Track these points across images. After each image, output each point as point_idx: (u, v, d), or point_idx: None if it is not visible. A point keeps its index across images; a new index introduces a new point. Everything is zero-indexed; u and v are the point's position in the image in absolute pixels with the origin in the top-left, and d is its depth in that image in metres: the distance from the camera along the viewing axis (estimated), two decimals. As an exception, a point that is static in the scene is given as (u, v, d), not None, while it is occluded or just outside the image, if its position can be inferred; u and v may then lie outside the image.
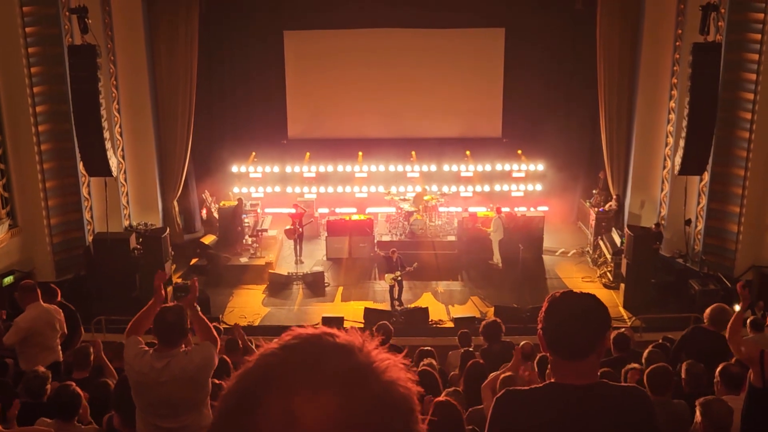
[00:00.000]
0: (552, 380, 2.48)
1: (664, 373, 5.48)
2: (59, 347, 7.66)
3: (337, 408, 0.89)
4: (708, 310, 7.06)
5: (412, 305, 13.80)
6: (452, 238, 16.57)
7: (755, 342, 6.21)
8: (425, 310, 13.29)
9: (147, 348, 4.55)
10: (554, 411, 2.39)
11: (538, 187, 18.34)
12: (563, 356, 2.40)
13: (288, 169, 18.33)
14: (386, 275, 13.95)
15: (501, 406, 2.49)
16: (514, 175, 18.45)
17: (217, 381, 4.93)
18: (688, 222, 14.41)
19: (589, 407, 2.37)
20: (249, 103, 18.19)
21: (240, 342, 8.11)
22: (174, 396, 4.37)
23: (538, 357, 6.30)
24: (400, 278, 13.86)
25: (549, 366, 2.52)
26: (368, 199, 18.41)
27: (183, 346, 4.56)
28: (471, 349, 8.42)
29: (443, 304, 14.10)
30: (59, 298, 8.11)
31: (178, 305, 4.55)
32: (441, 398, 4.71)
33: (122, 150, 15.54)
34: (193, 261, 15.96)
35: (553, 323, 2.41)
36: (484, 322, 8.81)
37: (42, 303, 7.57)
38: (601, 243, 15.91)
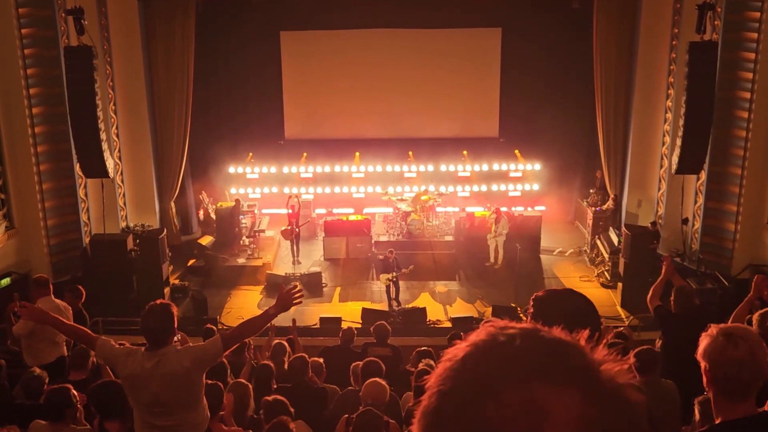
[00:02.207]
0: None
1: (650, 352, 5.75)
2: (64, 343, 7.71)
3: (582, 405, 0.85)
4: (757, 315, 7.22)
5: (410, 305, 13.80)
6: (450, 238, 16.57)
7: None
8: (423, 310, 13.29)
9: (136, 347, 4.56)
10: None
11: (536, 186, 18.36)
12: None
13: (285, 169, 18.33)
14: (382, 275, 13.96)
15: None
16: (512, 174, 18.47)
17: (210, 381, 4.93)
18: (685, 221, 14.44)
19: None
20: (246, 103, 18.18)
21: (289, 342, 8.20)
22: (165, 395, 4.37)
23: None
24: (395, 279, 13.85)
25: None
26: (365, 199, 18.42)
27: (177, 342, 4.56)
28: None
29: (441, 304, 14.10)
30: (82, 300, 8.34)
31: (163, 304, 4.53)
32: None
33: (119, 151, 15.51)
34: (191, 262, 15.95)
35: (562, 320, 2.38)
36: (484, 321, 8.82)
37: (53, 298, 7.62)
38: (598, 242, 15.93)
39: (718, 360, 2.61)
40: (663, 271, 7.06)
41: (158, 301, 4.56)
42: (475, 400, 0.86)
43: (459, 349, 0.93)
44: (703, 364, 2.67)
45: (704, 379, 2.69)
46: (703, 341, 2.69)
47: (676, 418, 5.49)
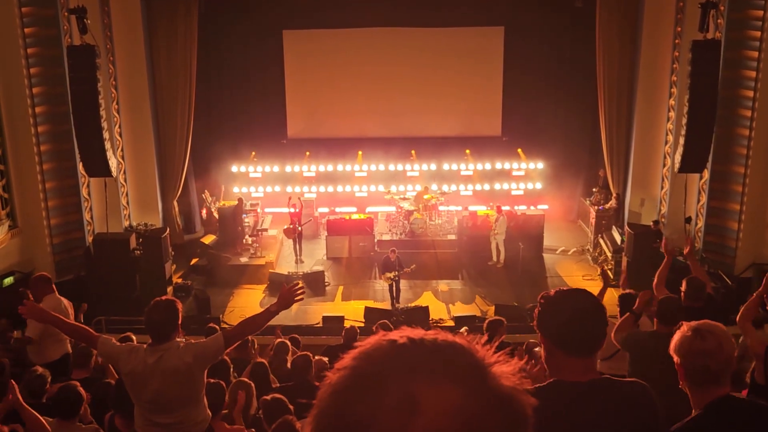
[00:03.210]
0: (553, 379, 2.47)
1: (674, 302, 5.75)
2: (68, 341, 7.71)
3: (458, 401, 0.89)
4: None
5: (413, 304, 13.79)
6: (452, 236, 16.57)
7: (759, 338, 6.23)
8: (426, 309, 13.27)
9: (138, 344, 4.57)
10: (561, 408, 2.39)
11: (538, 185, 18.35)
12: (575, 353, 2.40)
13: (288, 168, 18.35)
14: (385, 274, 13.95)
15: None
16: (514, 173, 18.47)
17: (212, 380, 4.93)
18: (688, 220, 14.41)
19: (595, 403, 2.38)
20: (248, 102, 18.19)
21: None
22: (166, 392, 4.37)
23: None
24: (397, 278, 13.85)
25: (548, 365, 2.51)
26: (368, 198, 18.44)
27: (181, 339, 4.56)
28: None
29: (444, 303, 14.09)
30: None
31: (168, 300, 4.54)
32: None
33: (122, 150, 15.53)
34: (194, 261, 15.97)
35: (562, 320, 2.41)
36: (487, 320, 8.81)
37: (57, 296, 7.62)
38: (601, 241, 15.92)
39: (687, 353, 2.75)
40: (665, 253, 7.20)
41: (163, 297, 4.57)
42: (358, 393, 0.91)
43: (354, 349, 0.98)
44: (675, 359, 2.81)
45: (678, 374, 2.82)
46: (675, 337, 2.84)
47: None
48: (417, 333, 0.98)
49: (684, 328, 2.81)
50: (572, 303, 2.44)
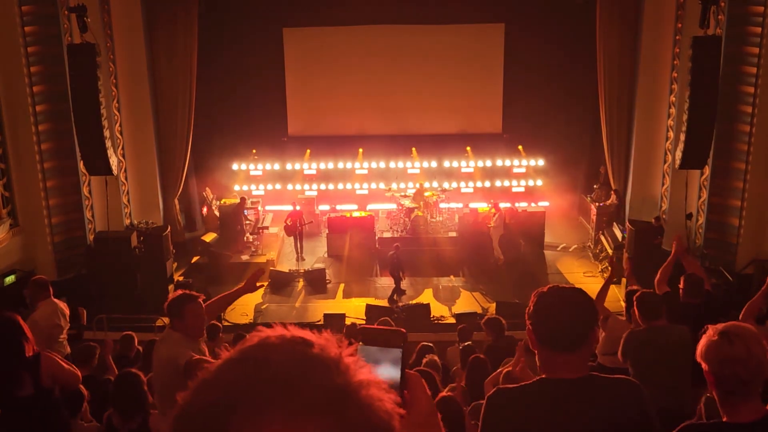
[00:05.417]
0: (543, 376, 2.47)
1: (654, 297, 5.74)
2: (66, 341, 7.70)
3: None
4: None
5: (414, 301, 13.80)
6: (453, 234, 16.56)
7: (763, 335, 6.22)
8: (426, 306, 13.28)
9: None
10: (547, 406, 2.39)
11: (539, 182, 18.35)
12: (555, 348, 2.41)
13: (288, 166, 18.36)
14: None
15: (492, 404, 2.50)
16: (515, 170, 18.48)
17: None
18: (689, 216, 14.39)
19: (581, 400, 2.37)
20: (249, 100, 18.18)
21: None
22: (157, 377, 4.59)
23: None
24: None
25: (538, 361, 2.52)
26: (369, 195, 18.44)
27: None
28: (470, 343, 8.42)
29: (444, 300, 14.10)
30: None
31: (191, 293, 4.71)
32: (443, 393, 4.73)
33: (122, 149, 15.52)
34: (195, 259, 15.98)
35: (544, 315, 2.42)
36: (486, 318, 8.82)
37: (54, 300, 7.60)
38: (602, 237, 15.92)
39: (715, 359, 2.57)
40: (673, 251, 7.13)
41: (195, 294, 4.71)
42: (199, 428, 0.81)
43: (210, 369, 0.87)
44: (703, 366, 2.63)
45: (708, 382, 2.64)
46: (701, 343, 2.64)
47: (687, 361, 5.48)
48: (264, 350, 0.86)
49: (710, 332, 2.61)
50: (554, 298, 2.45)
